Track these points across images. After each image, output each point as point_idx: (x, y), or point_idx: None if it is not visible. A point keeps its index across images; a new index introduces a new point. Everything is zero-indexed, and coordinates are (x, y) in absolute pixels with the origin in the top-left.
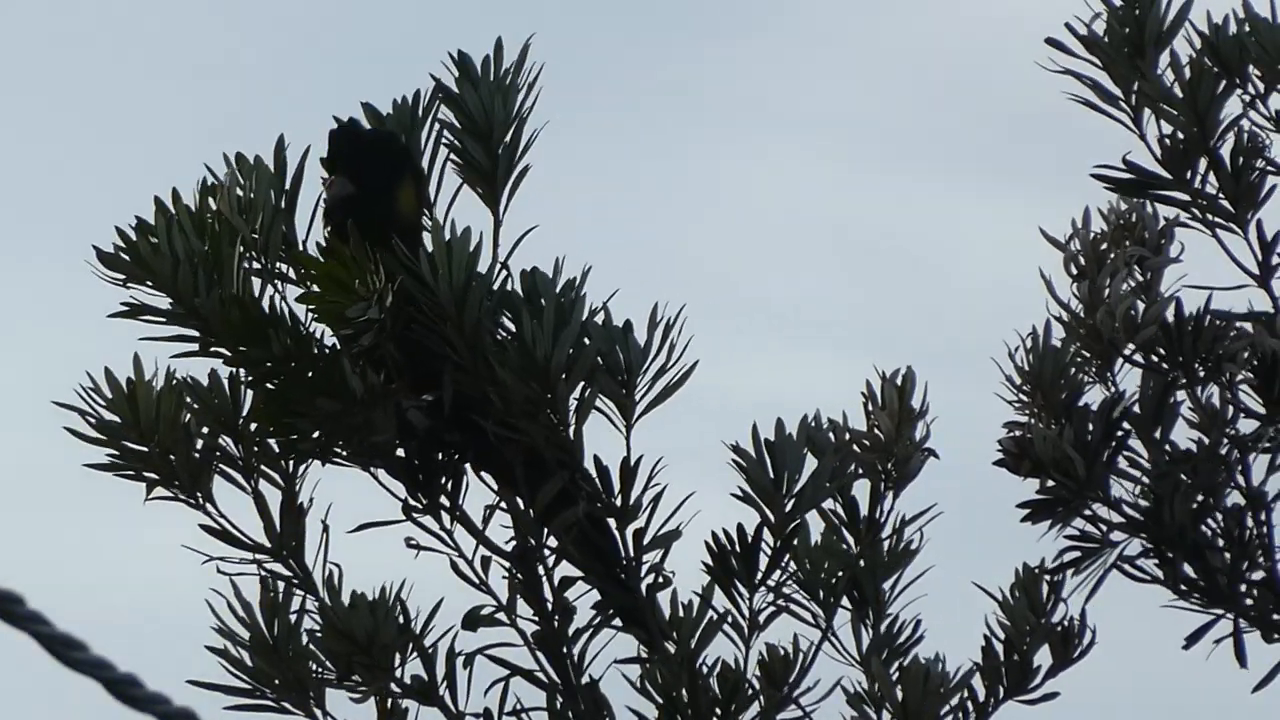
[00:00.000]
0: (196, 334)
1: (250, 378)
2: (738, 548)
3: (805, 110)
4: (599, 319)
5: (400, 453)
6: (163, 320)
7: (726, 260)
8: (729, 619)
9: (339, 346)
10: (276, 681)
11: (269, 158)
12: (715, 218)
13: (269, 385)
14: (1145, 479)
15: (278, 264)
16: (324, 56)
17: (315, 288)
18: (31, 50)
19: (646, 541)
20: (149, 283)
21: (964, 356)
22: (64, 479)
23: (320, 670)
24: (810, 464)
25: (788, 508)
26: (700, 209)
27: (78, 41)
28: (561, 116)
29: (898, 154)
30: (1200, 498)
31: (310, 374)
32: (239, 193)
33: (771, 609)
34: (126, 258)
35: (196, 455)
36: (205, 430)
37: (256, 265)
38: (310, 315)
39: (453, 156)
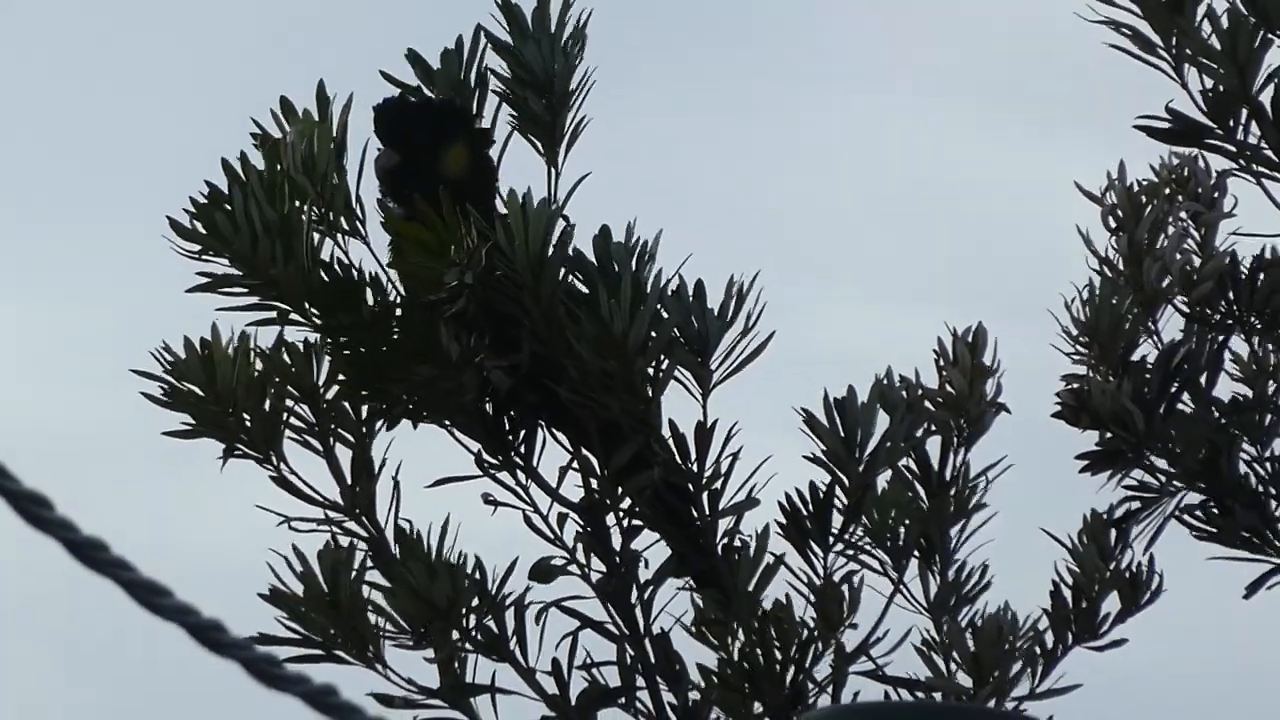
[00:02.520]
0: (275, 304)
1: (331, 343)
2: (810, 509)
3: (870, 62)
4: (673, 287)
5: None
6: (242, 290)
7: (797, 216)
8: (802, 577)
9: (426, 311)
10: (333, 633)
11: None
12: (787, 172)
13: (358, 351)
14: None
15: (340, 220)
16: (368, 7)
17: (404, 253)
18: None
19: (722, 507)
20: (225, 255)
21: (1024, 307)
22: (142, 443)
23: (379, 628)
24: (883, 422)
25: (860, 468)
26: (773, 163)
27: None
28: (616, 68)
29: (965, 106)
30: (1253, 448)
31: (403, 339)
32: (300, 149)
33: (846, 569)
34: (201, 229)
35: (269, 418)
36: (279, 396)
37: (323, 225)
38: (401, 280)
39: (508, 109)
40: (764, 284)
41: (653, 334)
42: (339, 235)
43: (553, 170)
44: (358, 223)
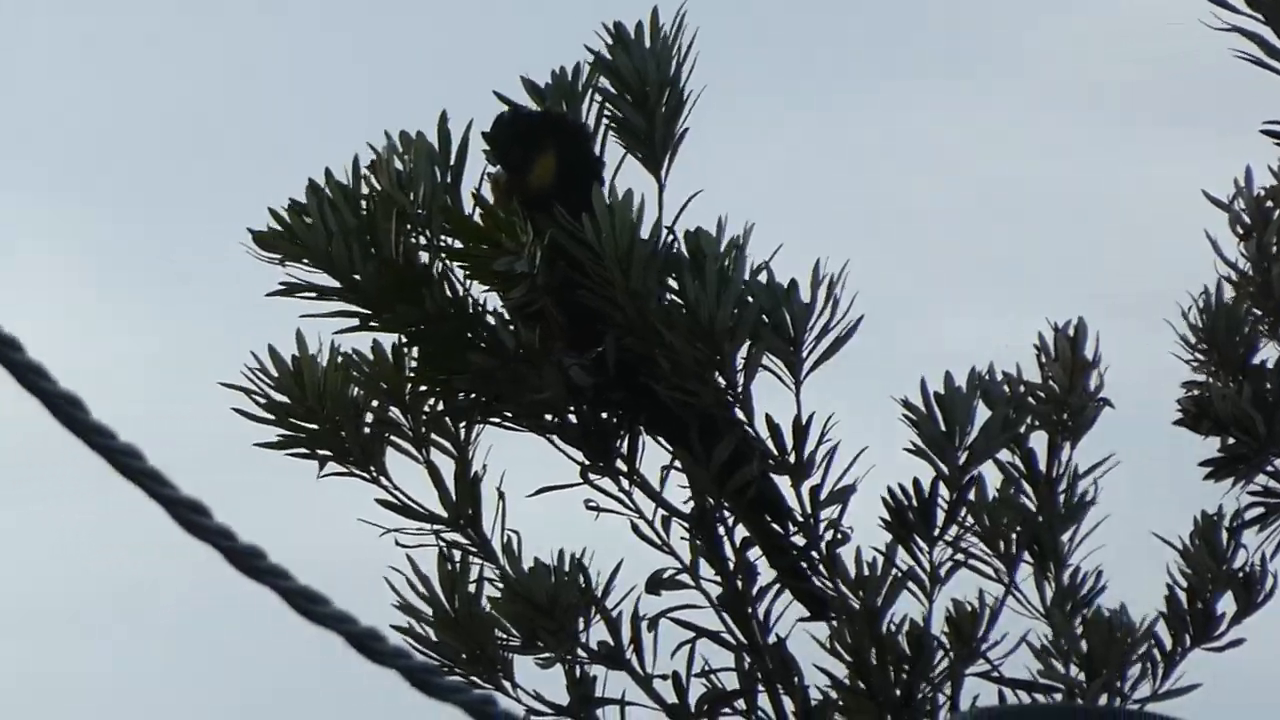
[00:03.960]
0: (356, 309)
1: (410, 342)
2: (914, 502)
3: (982, 62)
4: (762, 278)
5: (572, 416)
6: (321, 296)
7: (904, 212)
8: (911, 575)
9: (486, 303)
10: (463, 656)
11: (431, 134)
12: (895, 171)
13: (425, 346)
14: None
15: (441, 237)
16: (483, 31)
17: (463, 244)
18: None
19: (822, 498)
20: (305, 260)
21: (1144, 309)
22: (231, 458)
23: (505, 638)
24: (983, 416)
25: (961, 460)
26: (882, 162)
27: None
28: (730, 79)
29: (1076, 106)
30: None
31: (462, 330)
32: (399, 166)
33: (951, 563)
34: (282, 236)
35: (367, 429)
36: (374, 404)
37: (421, 240)
38: (465, 275)
39: (612, 125)
40: (877, 280)
41: (740, 320)
42: (433, 248)
43: (656, 181)
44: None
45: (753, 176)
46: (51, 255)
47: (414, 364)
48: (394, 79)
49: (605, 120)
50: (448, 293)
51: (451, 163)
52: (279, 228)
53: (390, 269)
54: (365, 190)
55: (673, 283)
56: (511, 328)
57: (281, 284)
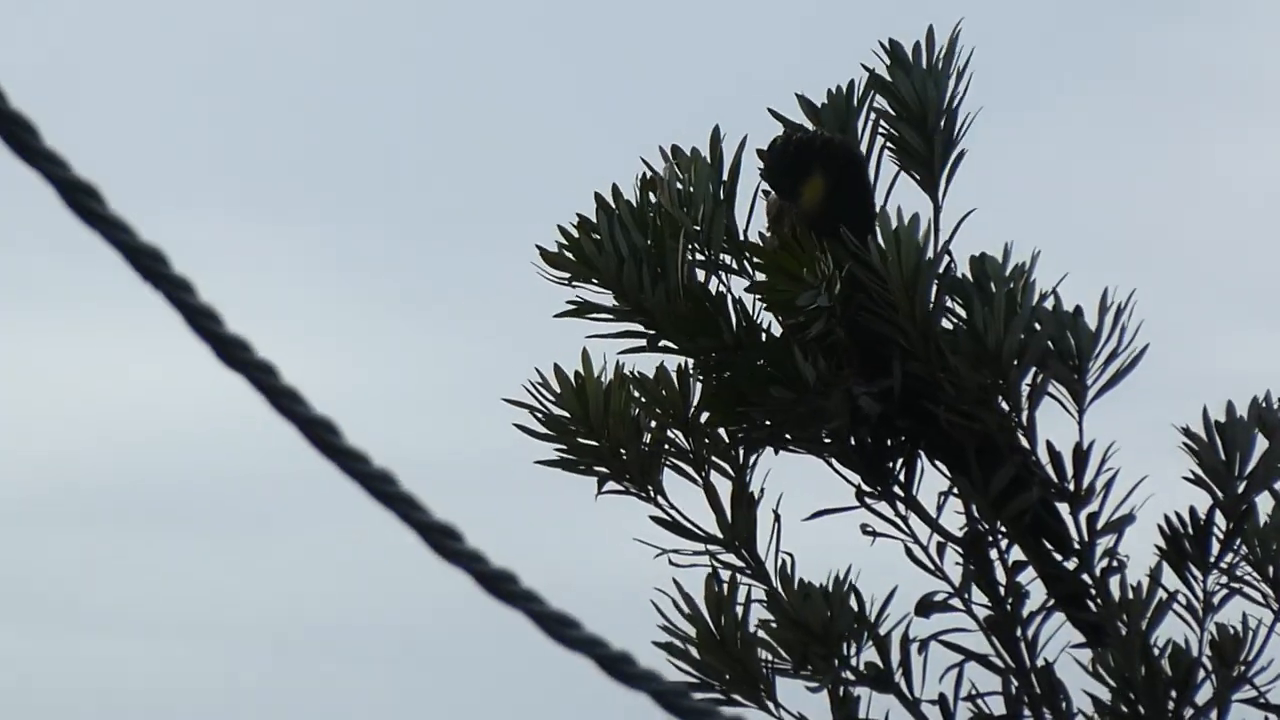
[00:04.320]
0: (643, 329)
1: (700, 369)
2: (1190, 530)
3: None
4: (1048, 304)
5: (852, 440)
6: (609, 317)
7: (1187, 241)
8: (1179, 599)
9: (786, 335)
10: (727, 676)
11: (705, 150)
12: (1179, 199)
13: (720, 376)
14: None
15: (721, 255)
16: (757, 48)
17: (764, 277)
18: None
19: (1100, 526)
20: (594, 280)
21: None
22: (512, 474)
23: (770, 661)
24: (1261, 445)
25: (1239, 489)
26: (1165, 191)
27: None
28: (999, 101)
29: None
30: None
31: (761, 363)
32: (678, 186)
33: (1225, 591)
34: (570, 256)
35: (645, 448)
36: (654, 424)
37: (700, 257)
38: (759, 304)
39: (889, 144)
40: (1143, 308)
41: (1026, 345)
42: (713, 266)
43: (933, 203)
44: (743, 259)
45: (1022, 198)
46: (311, 273)
47: (699, 384)
48: (668, 93)
49: (881, 138)
50: (742, 321)
51: (724, 179)
52: (567, 244)
53: (686, 296)
54: (651, 205)
55: (958, 308)
56: (808, 359)
57: (570, 303)
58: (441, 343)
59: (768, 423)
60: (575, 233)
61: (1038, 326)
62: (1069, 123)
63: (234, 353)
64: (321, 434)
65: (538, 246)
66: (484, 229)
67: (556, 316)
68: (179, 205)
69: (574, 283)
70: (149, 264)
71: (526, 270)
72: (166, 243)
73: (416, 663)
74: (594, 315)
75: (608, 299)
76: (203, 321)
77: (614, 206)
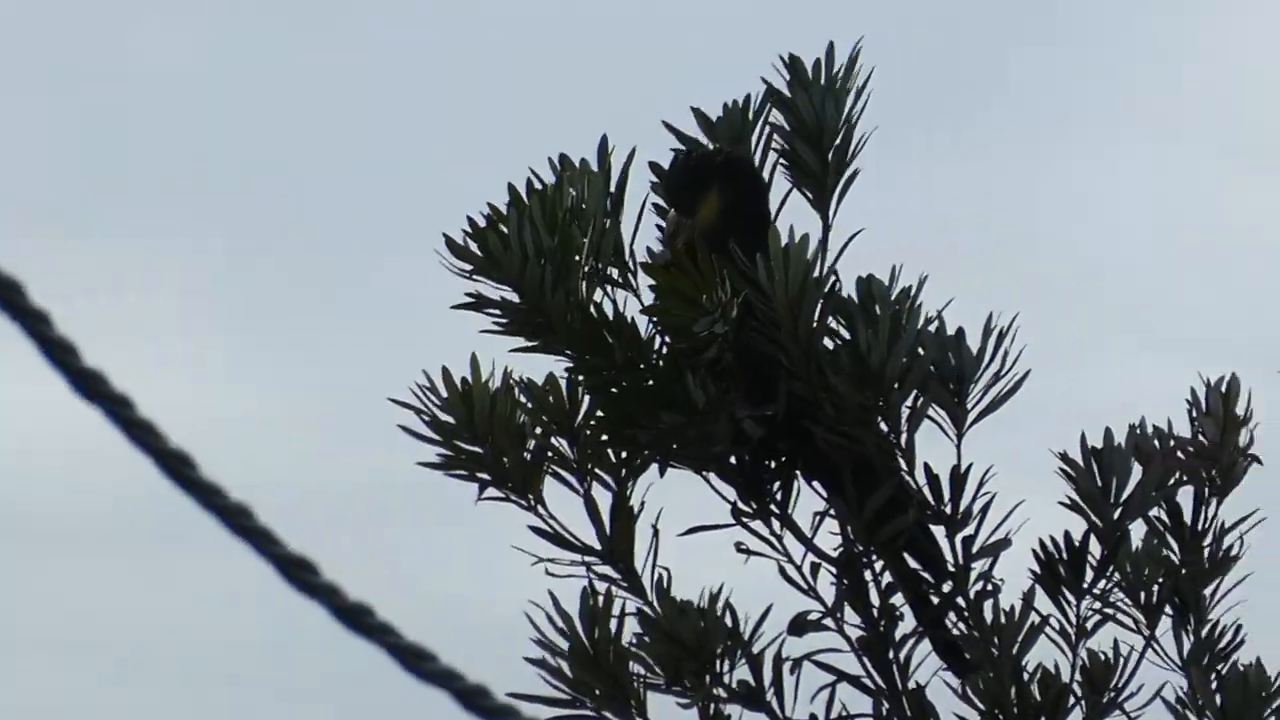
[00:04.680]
0: (537, 332)
1: (588, 386)
2: (1065, 555)
3: (1149, 114)
4: (933, 328)
5: (732, 459)
6: (506, 316)
7: (1066, 264)
8: (1052, 623)
9: (676, 357)
10: (597, 691)
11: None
12: (1059, 222)
13: (609, 392)
14: None
15: (610, 270)
16: (651, 59)
17: (661, 300)
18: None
19: (976, 549)
20: (496, 276)
21: None
22: (397, 482)
23: (643, 676)
24: (1137, 472)
25: (1115, 515)
26: (1045, 215)
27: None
28: (894, 121)
29: (1240, 149)
30: None
31: (651, 385)
32: (571, 193)
33: (1097, 617)
34: (476, 249)
35: (529, 456)
36: (539, 431)
37: (587, 270)
38: (653, 327)
39: (782, 160)
40: (1025, 333)
41: (909, 367)
42: (605, 282)
43: (822, 221)
44: (629, 274)
45: (911, 217)
46: (171, 296)
47: (594, 408)
48: (558, 104)
49: (775, 154)
50: (633, 343)
51: (613, 191)
52: (473, 235)
53: (579, 311)
54: (565, 205)
55: (842, 329)
56: (698, 384)
57: (469, 295)
58: (332, 357)
59: (654, 446)
60: (484, 224)
61: (921, 350)
62: (962, 144)
63: (91, 386)
64: (177, 467)
65: (444, 235)
66: (373, 237)
67: (454, 308)
68: (33, 231)
69: (475, 276)
70: (6, 296)
71: (424, 284)
72: (21, 267)
73: (272, 691)
74: (490, 310)
75: (508, 295)
76: (59, 355)
77: (526, 202)
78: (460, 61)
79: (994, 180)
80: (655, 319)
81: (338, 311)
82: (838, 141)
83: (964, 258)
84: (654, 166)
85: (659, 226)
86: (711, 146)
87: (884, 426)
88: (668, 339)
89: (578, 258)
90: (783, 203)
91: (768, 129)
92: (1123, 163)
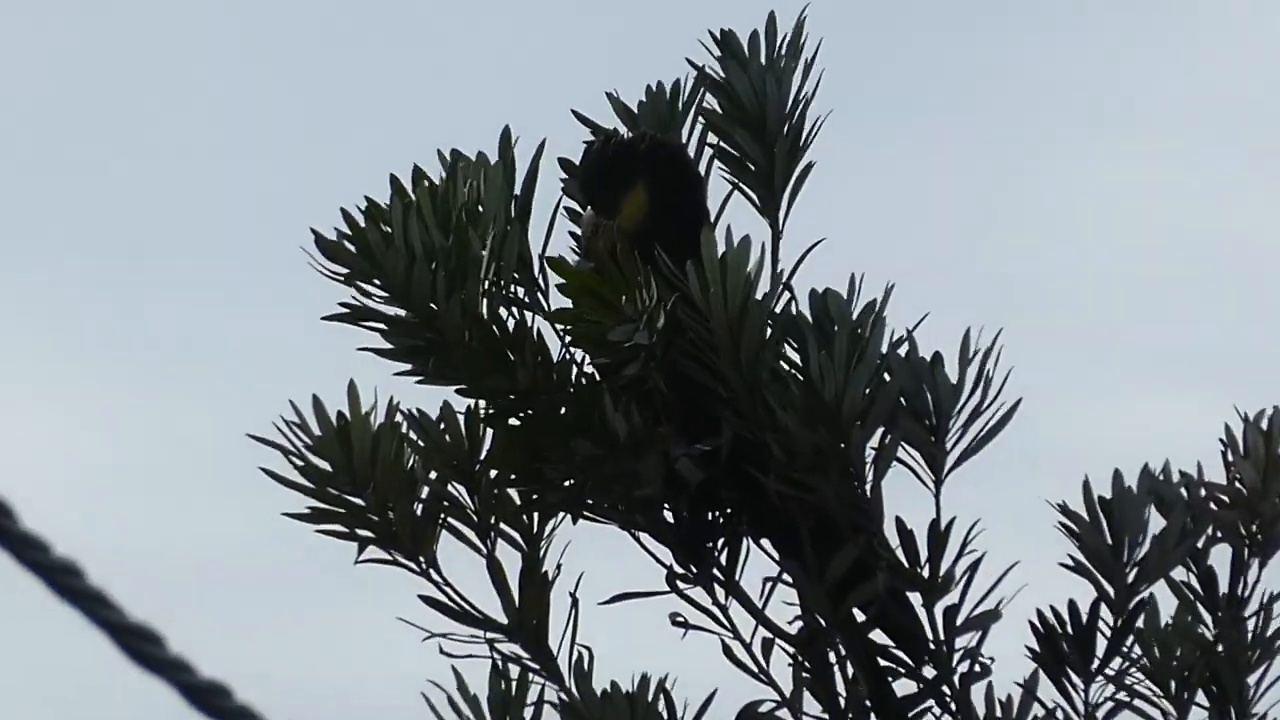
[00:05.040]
0: (428, 350)
1: (491, 412)
2: (1069, 628)
3: (1152, 111)
4: (902, 351)
5: (667, 512)
6: (390, 333)
7: (1056, 281)
8: (1056, 714)
9: (597, 378)
10: None
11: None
12: (1042, 231)
13: (512, 422)
14: None
15: (513, 284)
16: (561, 40)
17: (572, 304)
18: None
19: (960, 621)
20: (377, 281)
21: None
22: (263, 540)
23: None
24: (1157, 525)
25: (1129, 578)
26: (1025, 221)
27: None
28: (855, 104)
29: (1239, 161)
30: None
31: (563, 410)
32: (464, 191)
33: (1111, 704)
34: (351, 248)
35: (420, 508)
36: (433, 476)
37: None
38: (565, 338)
39: (719, 156)
40: (1010, 357)
41: (872, 398)
42: (510, 303)
43: (771, 227)
44: (537, 291)
45: (881, 225)
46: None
47: (496, 441)
48: (449, 94)
49: (710, 149)
50: (542, 361)
51: (518, 193)
52: (350, 234)
53: (476, 325)
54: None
55: (793, 353)
56: (620, 409)
57: (343, 305)
58: (185, 394)
59: (566, 483)
60: (362, 221)
61: (887, 377)
62: (940, 132)
63: None
64: None
65: (313, 232)
66: (232, 251)
67: (325, 319)
68: None
69: (352, 282)
70: None
71: (292, 301)
72: None
73: None
74: (370, 324)
75: (392, 308)
76: None
77: (412, 196)
78: (319, 47)
79: (979, 176)
80: (563, 328)
81: (188, 340)
82: (785, 130)
83: (941, 268)
84: (565, 164)
85: (573, 235)
86: (634, 132)
87: (846, 471)
88: (584, 357)
89: (476, 269)
90: (723, 206)
91: (700, 118)
92: (1129, 162)
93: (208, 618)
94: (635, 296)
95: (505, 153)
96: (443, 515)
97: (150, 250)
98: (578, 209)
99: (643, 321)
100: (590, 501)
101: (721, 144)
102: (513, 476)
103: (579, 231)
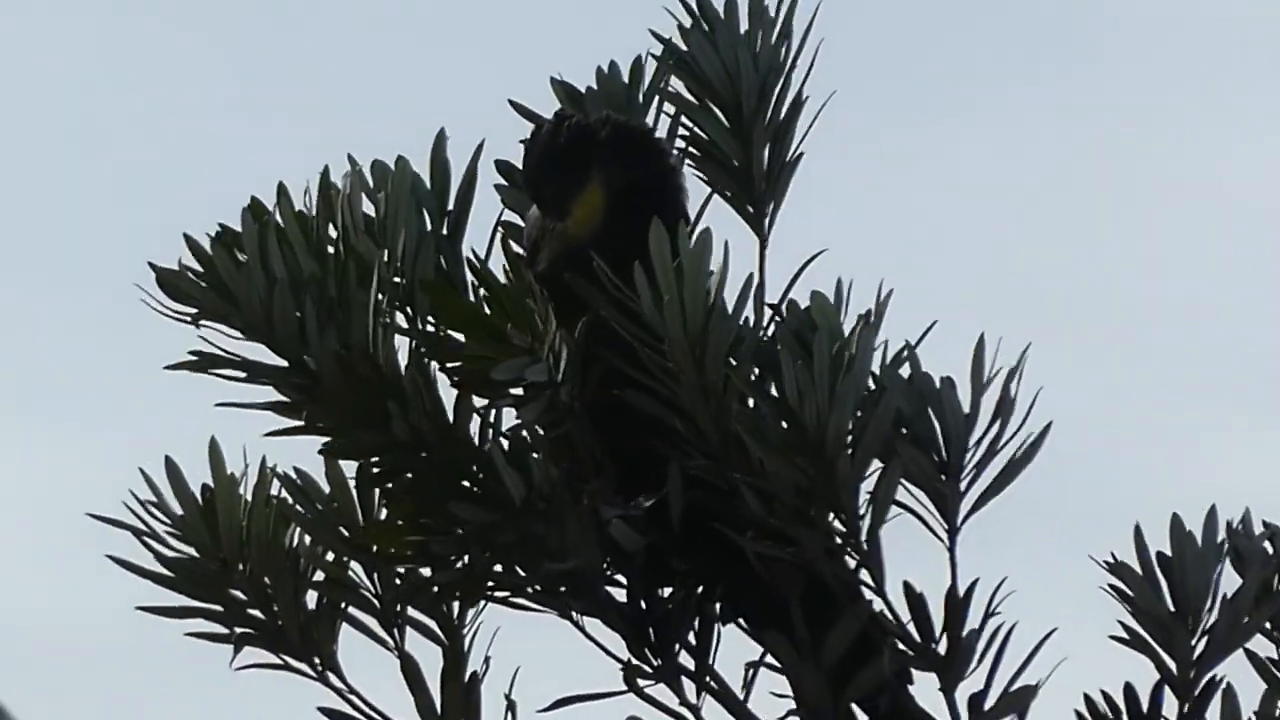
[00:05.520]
0: (302, 400)
1: (367, 475)
2: (1125, 717)
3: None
4: (904, 370)
5: (618, 589)
6: (249, 378)
7: (1099, 285)
8: None
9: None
10: None
11: (421, 164)
12: (1086, 224)
13: (391, 488)
14: None
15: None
16: (499, 17)
17: (447, 333)
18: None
19: (988, 708)
20: (233, 320)
21: None
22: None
23: None
24: (1229, 585)
25: (1196, 652)
26: (1064, 212)
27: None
28: (859, 81)
29: None
30: None
31: (446, 467)
32: (367, 209)
33: None
34: (199, 281)
35: (311, 595)
36: (326, 556)
37: (400, 320)
38: (451, 379)
39: (689, 148)
40: (1037, 373)
41: (864, 423)
42: (423, 340)
43: (757, 233)
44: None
45: (880, 224)
46: None
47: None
48: (376, 84)
49: (679, 141)
50: (430, 409)
51: (451, 207)
52: (197, 262)
53: (340, 365)
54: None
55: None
56: (516, 465)
57: (193, 354)
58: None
59: (459, 563)
60: (210, 250)
61: (884, 403)
62: (962, 113)
63: None
64: None
65: (150, 264)
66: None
67: (168, 369)
68: None
69: (201, 322)
70: None
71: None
72: None
73: None
74: (225, 374)
75: (253, 349)
76: None
77: (276, 215)
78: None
79: (1006, 158)
80: (441, 365)
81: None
82: (768, 115)
83: (959, 277)
84: (503, 168)
85: (507, 243)
86: (594, 115)
87: (836, 522)
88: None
89: (375, 285)
90: (701, 210)
91: (667, 104)
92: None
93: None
94: (525, 322)
95: (437, 154)
96: (339, 604)
97: None
98: (519, 221)
99: (545, 353)
100: (494, 583)
101: (692, 134)
102: (390, 552)
103: (524, 231)
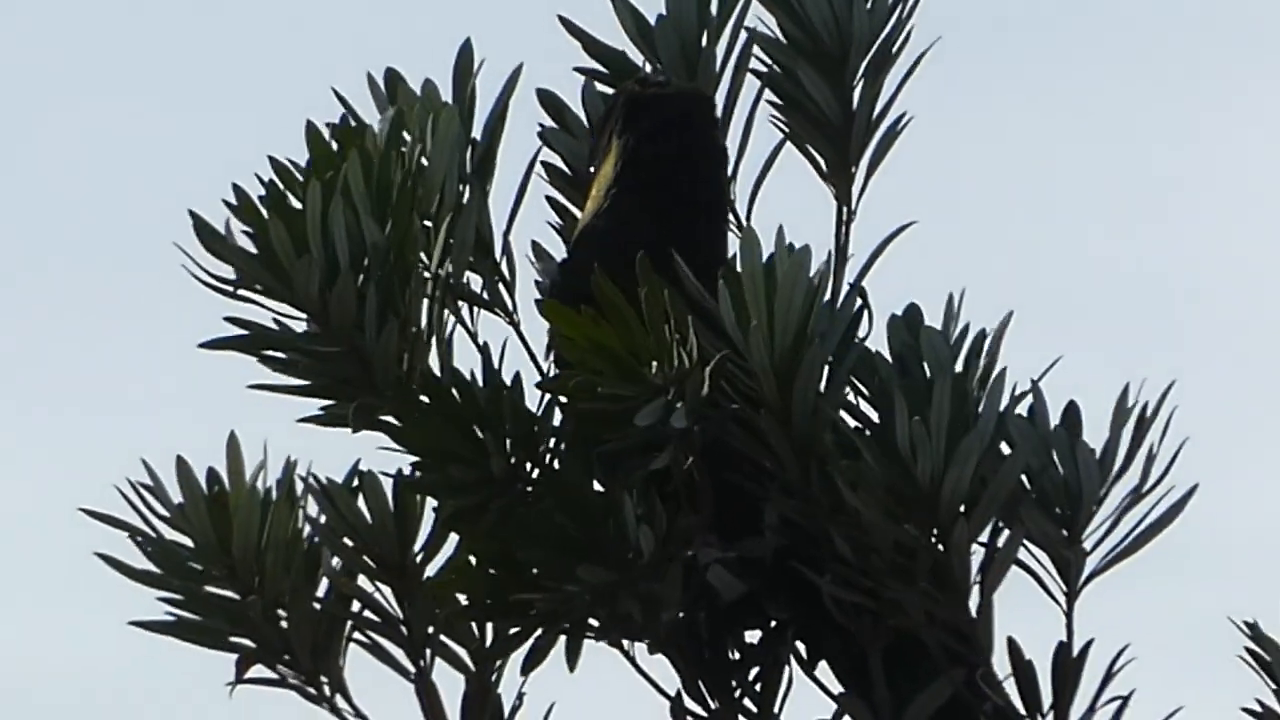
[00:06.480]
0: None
1: (442, 505)
2: None
3: None
4: (1023, 409)
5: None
6: (289, 362)
7: (1234, 297)
8: None
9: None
10: None
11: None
12: (1236, 220)
13: (471, 534)
14: None
15: (463, 275)
16: None
17: (568, 364)
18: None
19: None
20: (274, 290)
21: None
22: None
23: None
24: None
25: None
26: (1213, 204)
27: None
28: (964, 32)
29: None
30: None
31: (556, 519)
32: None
33: None
34: (245, 238)
35: (318, 605)
36: (339, 566)
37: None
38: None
39: (773, 106)
40: (1194, 412)
41: (983, 480)
42: (465, 297)
43: (844, 207)
44: (502, 285)
45: (996, 211)
46: None
47: (457, 557)
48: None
49: (764, 97)
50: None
51: (486, 140)
52: (243, 213)
53: (423, 383)
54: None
55: (868, 408)
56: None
57: (229, 320)
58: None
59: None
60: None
61: (1005, 448)
62: (1088, 76)
63: None
64: None
65: (190, 212)
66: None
67: (201, 346)
68: None
69: (240, 291)
70: None
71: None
72: None
73: None
74: (269, 352)
75: (297, 323)
76: None
77: (339, 154)
78: None
79: (1140, 139)
80: (567, 402)
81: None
82: (866, 62)
83: (1084, 285)
84: (545, 100)
85: (551, 202)
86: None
87: (942, 583)
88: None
89: (422, 258)
90: (763, 175)
91: (740, 49)
92: None
93: None
94: (668, 353)
95: (464, 80)
96: (353, 621)
97: None
98: (562, 165)
99: (672, 391)
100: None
101: (776, 87)
102: (477, 610)
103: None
